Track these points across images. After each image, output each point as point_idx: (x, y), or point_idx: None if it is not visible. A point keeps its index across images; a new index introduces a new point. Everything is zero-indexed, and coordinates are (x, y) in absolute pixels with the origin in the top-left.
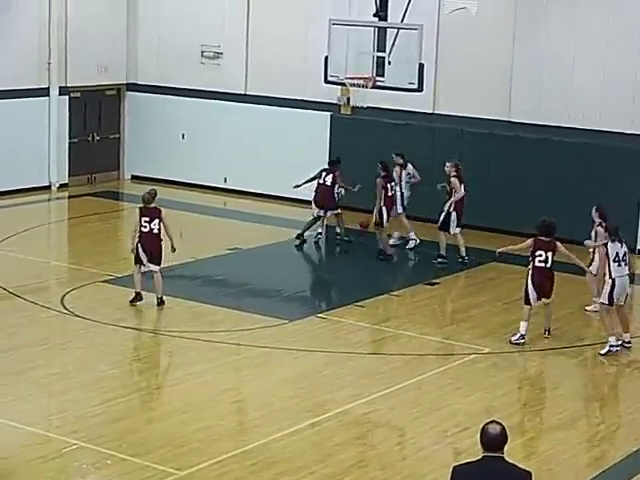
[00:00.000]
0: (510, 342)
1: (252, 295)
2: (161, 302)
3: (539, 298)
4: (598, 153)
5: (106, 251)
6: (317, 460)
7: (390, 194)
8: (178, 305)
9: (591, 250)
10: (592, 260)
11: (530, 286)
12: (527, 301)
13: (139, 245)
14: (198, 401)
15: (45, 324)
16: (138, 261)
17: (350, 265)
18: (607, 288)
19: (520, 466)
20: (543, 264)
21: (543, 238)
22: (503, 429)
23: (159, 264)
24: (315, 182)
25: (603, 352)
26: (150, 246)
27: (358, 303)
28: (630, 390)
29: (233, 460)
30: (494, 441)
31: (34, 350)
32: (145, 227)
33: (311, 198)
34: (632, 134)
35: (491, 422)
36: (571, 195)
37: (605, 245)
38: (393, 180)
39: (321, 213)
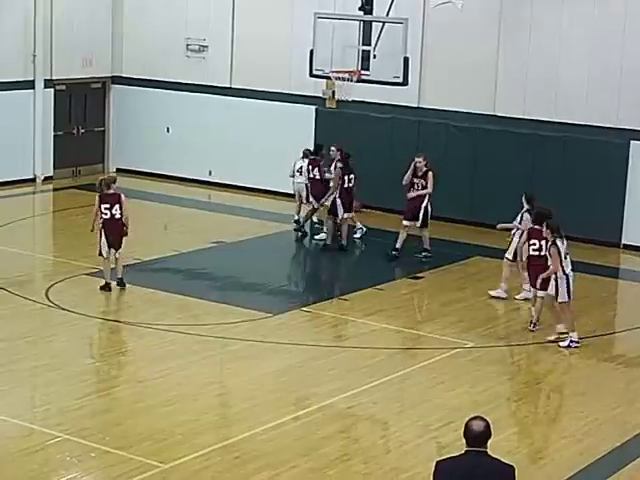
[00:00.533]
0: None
1: (236, 288)
2: (121, 283)
3: (533, 286)
4: (584, 147)
5: (91, 244)
6: (300, 454)
7: (346, 186)
8: (162, 298)
9: (512, 233)
10: (510, 244)
11: (525, 273)
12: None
13: (101, 234)
14: (182, 394)
15: (29, 317)
16: (101, 254)
17: (334, 259)
18: (564, 285)
19: (503, 460)
20: (537, 252)
21: (537, 227)
22: (487, 425)
23: (119, 248)
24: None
25: (564, 345)
26: (112, 232)
27: (342, 297)
28: (614, 385)
29: (216, 453)
30: (478, 436)
31: (18, 343)
32: (106, 214)
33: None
34: (618, 128)
35: (475, 417)
36: (557, 189)
37: (554, 242)
38: (352, 172)
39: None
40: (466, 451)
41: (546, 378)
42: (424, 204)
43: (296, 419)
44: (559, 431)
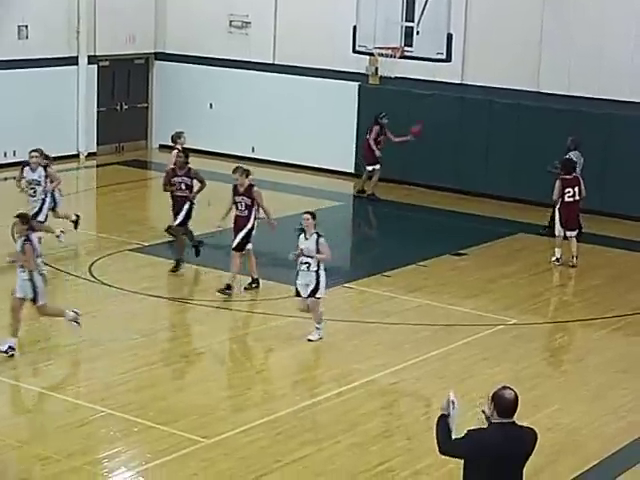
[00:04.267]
0: (550, 261)
1: (279, 265)
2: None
3: (565, 229)
4: (628, 124)
5: (134, 220)
6: (343, 429)
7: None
8: (205, 274)
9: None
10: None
11: (557, 220)
12: (553, 234)
13: None
14: (225, 370)
15: (73, 292)
16: None
17: (376, 235)
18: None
19: (527, 426)
20: (572, 199)
21: (567, 176)
22: (516, 394)
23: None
24: None
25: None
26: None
27: (385, 273)
28: None
29: (259, 429)
30: (511, 406)
31: (62, 318)
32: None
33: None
34: None
35: (504, 387)
36: (601, 166)
37: (321, 237)
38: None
39: None
40: (497, 424)
41: (589, 355)
42: (248, 227)
43: (339, 395)
44: (602, 408)
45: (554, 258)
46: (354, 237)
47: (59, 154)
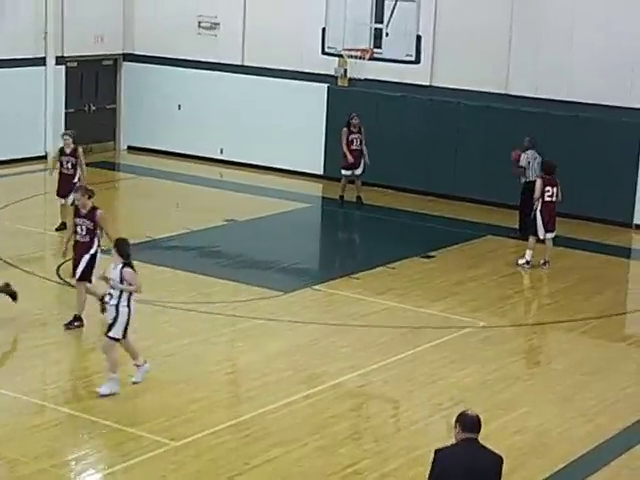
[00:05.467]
0: (517, 264)
1: (247, 266)
2: None
3: (546, 231)
4: (596, 127)
5: None
6: (311, 432)
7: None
8: (173, 276)
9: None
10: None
11: (540, 221)
12: (535, 233)
13: None
14: (193, 372)
15: (41, 294)
16: None
17: (345, 237)
18: (124, 320)
19: (493, 450)
20: (550, 198)
21: (548, 176)
22: (477, 415)
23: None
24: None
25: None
26: None
27: (353, 275)
28: (625, 364)
29: (227, 431)
30: (474, 422)
31: (29, 320)
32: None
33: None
34: (631, 108)
35: (464, 411)
36: (569, 169)
37: (127, 265)
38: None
39: None
40: (463, 439)
41: (557, 358)
42: (90, 253)
43: (307, 397)
44: (570, 410)
45: (523, 261)
46: (323, 239)
47: (27, 155)
